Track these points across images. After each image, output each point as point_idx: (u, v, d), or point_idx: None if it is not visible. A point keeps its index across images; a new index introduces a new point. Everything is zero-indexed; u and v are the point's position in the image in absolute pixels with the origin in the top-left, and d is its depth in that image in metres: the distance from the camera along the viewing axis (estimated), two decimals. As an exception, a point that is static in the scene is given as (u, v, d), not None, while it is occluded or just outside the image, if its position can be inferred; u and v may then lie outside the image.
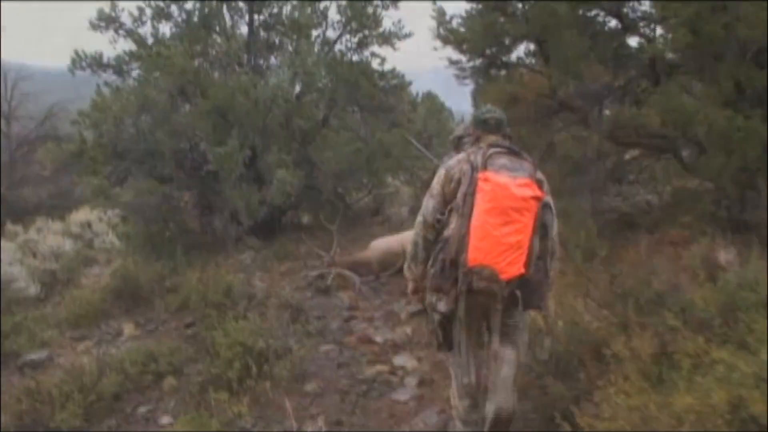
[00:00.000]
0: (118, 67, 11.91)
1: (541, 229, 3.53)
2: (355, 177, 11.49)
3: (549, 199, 3.63)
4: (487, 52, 6.75)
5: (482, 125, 3.84)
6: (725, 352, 2.83)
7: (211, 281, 7.49)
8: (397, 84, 13.13)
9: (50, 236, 16.86)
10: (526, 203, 3.39)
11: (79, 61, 11.64)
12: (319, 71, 11.55)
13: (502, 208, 3.35)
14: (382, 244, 9.28)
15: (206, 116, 10.68)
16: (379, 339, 6.54)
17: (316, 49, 12.55)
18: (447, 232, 3.57)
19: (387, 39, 12.80)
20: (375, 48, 12.81)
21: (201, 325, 6.98)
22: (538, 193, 3.45)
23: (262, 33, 13.06)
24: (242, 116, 10.70)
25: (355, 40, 12.65)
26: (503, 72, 7.11)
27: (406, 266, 4.05)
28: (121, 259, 13.48)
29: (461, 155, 3.73)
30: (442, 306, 3.60)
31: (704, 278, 4.53)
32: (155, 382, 5.97)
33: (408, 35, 13.03)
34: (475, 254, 3.36)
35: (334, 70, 11.83)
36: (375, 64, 12.78)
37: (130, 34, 11.94)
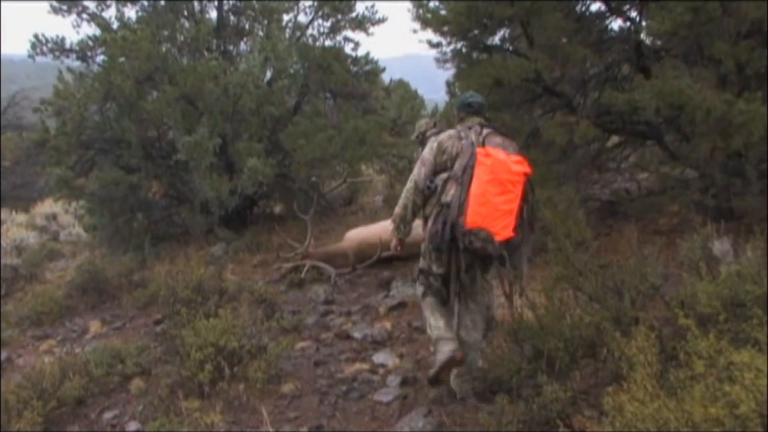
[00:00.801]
0: (82, 52, 11.44)
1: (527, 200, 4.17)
2: (329, 165, 11.16)
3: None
4: (470, 34, 6.47)
5: (466, 108, 4.48)
6: (746, 354, 2.58)
7: (180, 275, 7.13)
8: (370, 70, 12.82)
9: (13, 229, 16.38)
10: (518, 177, 4.05)
11: (39, 45, 11.16)
12: (291, 56, 11.18)
13: (500, 180, 3.97)
14: (358, 234, 9.00)
15: (174, 103, 10.28)
16: (357, 335, 6.26)
17: (287, 34, 12.20)
18: (446, 198, 4.11)
19: (360, 24, 12.49)
20: (348, 33, 12.52)
21: (170, 322, 6.65)
22: (527, 169, 4.12)
23: (232, 18, 12.67)
24: (212, 103, 10.31)
25: (328, 24, 12.33)
26: (486, 56, 6.82)
27: (394, 227, 4.63)
28: (87, 252, 13.14)
29: (450, 131, 4.39)
30: (436, 268, 4.28)
31: (703, 270, 4.31)
32: (122, 384, 5.64)
33: (382, 20, 12.74)
34: (474, 218, 3.91)
35: (306, 55, 11.49)
36: (348, 49, 12.49)
37: (94, 18, 11.48)
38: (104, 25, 11.16)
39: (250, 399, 4.91)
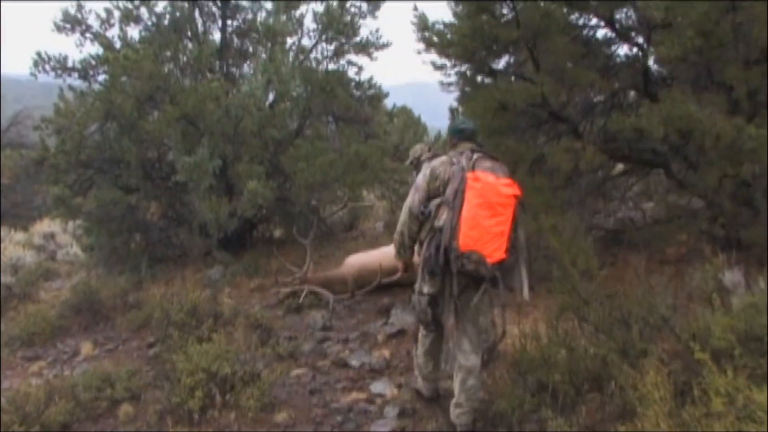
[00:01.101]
0: (84, 71, 11.33)
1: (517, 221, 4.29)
2: (330, 189, 11.03)
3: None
4: (475, 57, 6.36)
5: (459, 134, 4.68)
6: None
7: (175, 298, 6.96)
8: (373, 94, 12.73)
9: (10, 247, 16.23)
10: (508, 199, 4.18)
11: (41, 63, 11.06)
12: (294, 79, 11.08)
13: (490, 203, 4.10)
14: (358, 260, 8.84)
15: (175, 123, 10.17)
16: (354, 363, 6.09)
17: (290, 57, 12.12)
18: (438, 223, 4.27)
19: (364, 48, 12.41)
20: (351, 57, 12.44)
21: (163, 345, 6.48)
22: (517, 191, 4.25)
23: (236, 40, 12.60)
24: (213, 124, 10.19)
25: (331, 48, 12.24)
26: (491, 79, 6.71)
27: (395, 252, 4.80)
28: (84, 272, 12.97)
29: (443, 158, 4.55)
30: (427, 288, 4.45)
31: (714, 302, 4.15)
32: (110, 409, 5.46)
33: (386, 45, 12.66)
34: (466, 241, 4.04)
35: (309, 78, 11.40)
36: (351, 73, 12.40)
37: (97, 36, 11.40)
38: (107, 44, 11.06)
39: (241, 428, 4.73)
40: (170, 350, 5.83)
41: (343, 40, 12.19)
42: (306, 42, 12.55)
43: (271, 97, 11.46)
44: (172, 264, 11.20)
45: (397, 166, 12.49)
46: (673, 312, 4.50)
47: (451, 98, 15.01)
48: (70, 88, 11.05)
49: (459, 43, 6.31)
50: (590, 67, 6.53)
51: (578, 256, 4.78)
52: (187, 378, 4.78)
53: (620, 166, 8.24)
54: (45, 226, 18.04)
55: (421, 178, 4.50)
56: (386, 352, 6.23)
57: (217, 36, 12.18)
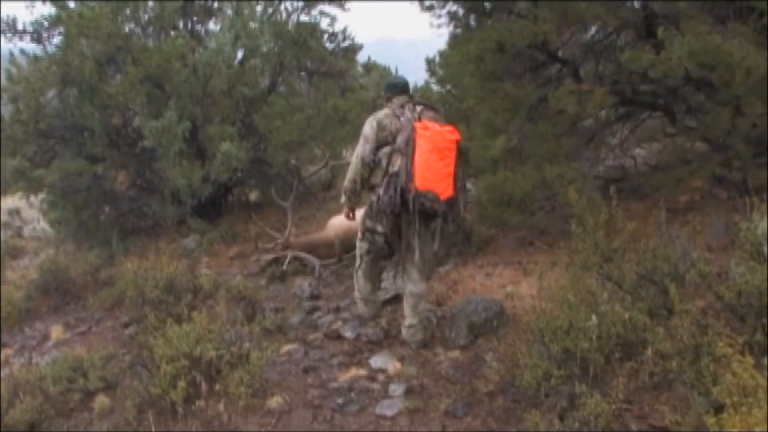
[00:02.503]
0: (37, 33, 10.56)
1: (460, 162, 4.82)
2: (308, 148, 10.43)
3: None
4: (467, -8, 5.78)
5: (393, 88, 5.26)
6: None
7: (149, 273, 6.39)
8: (348, 46, 12.08)
9: (-28, 225, 15.52)
10: (452, 144, 4.70)
11: (-13, 27, 10.27)
12: (263, 34, 10.40)
13: (439, 148, 4.63)
14: (343, 221, 8.31)
15: (139, 86, 9.48)
16: (349, 334, 5.59)
17: (258, 11, 11.41)
18: (393, 169, 4.75)
19: (336, -1, 11.72)
20: (323, 7, 11.72)
21: (140, 326, 5.96)
22: (458, 136, 4.78)
23: (200, -5, 11.85)
24: (180, 85, 9.53)
25: (302, -2, 11.54)
26: (484, 19, 6.14)
27: (345, 198, 5.35)
28: (52, 249, 12.34)
29: (386, 111, 5.05)
30: (381, 227, 5.01)
31: (749, 255, 3.70)
32: (84, 402, 4.93)
33: (358, -5, 11.98)
34: (422, 182, 4.57)
35: (280, 32, 10.72)
36: (324, 24, 11.71)
37: (51, -3, 10.61)
38: (60, 3, 10.28)
39: (232, 418, 4.23)
40: (147, 332, 5.29)
41: (314, -12, 11.48)
42: (274, -6, 11.84)
43: (240, 54, 10.78)
44: (144, 235, 10.60)
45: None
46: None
47: (420, 54, 14.49)
48: (22, 52, 10.28)
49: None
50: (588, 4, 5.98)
51: (596, 209, 4.29)
52: (167, 365, 4.25)
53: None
54: (10, 201, 17.27)
55: (369, 130, 4.99)
56: (383, 321, 5.75)
57: (179, -9, 11.40)
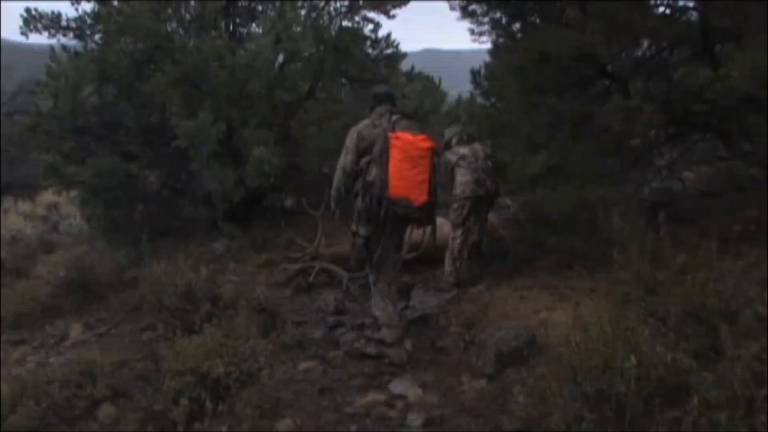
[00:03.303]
0: (79, 30, 10.53)
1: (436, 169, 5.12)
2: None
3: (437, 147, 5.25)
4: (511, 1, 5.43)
5: (375, 98, 5.45)
6: None
7: (168, 278, 6.17)
8: (391, 54, 11.84)
9: (12, 219, 15.62)
10: (426, 152, 4.96)
11: (32, 22, 10.25)
12: (305, 38, 10.20)
13: (411, 157, 4.87)
14: (375, 233, 8.05)
15: (176, 85, 9.36)
16: (371, 353, 5.29)
17: (302, 15, 11.22)
18: (369, 177, 5.00)
19: (380, 3, 11.47)
20: (367, 13, 11.50)
21: (154, 333, 5.75)
22: (432, 144, 5.05)
23: (243, -3, 11.71)
24: (217, 86, 9.38)
25: (345, 3, 11.31)
26: (530, 27, 5.81)
27: (333, 204, 5.64)
28: (86, 245, 12.30)
29: (366, 121, 5.29)
30: (363, 231, 5.18)
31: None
32: (89, 410, 4.67)
33: (404, 1, 11.69)
34: (395, 190, 4.84)
35: (321, 36, 10.52)
36: (367, 30, 11.48)
37: (95, -7, 10.54)
38: (103, 0, 10.21)
39: (237, 440, 3.97)
40: (160, 340, 5.08)
41: (358, -7, 11.25)
42: (317, -1, 11.65)
43: (280, 57, 10.60)
44: (174, 237, 10.44)
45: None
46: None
47: (465, 65, 14.15)
48: (64, 48, 10.24)
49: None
50: (642, 19, 5.62)
51: (640, 235, 3.95)
52: (171, 380, 4.00)
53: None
54: (49, 196, 17.36)
55: (350, 141, 5.22)
56: (408, 343, 5.44)
57: (222, -8, 11.27)
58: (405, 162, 4.87)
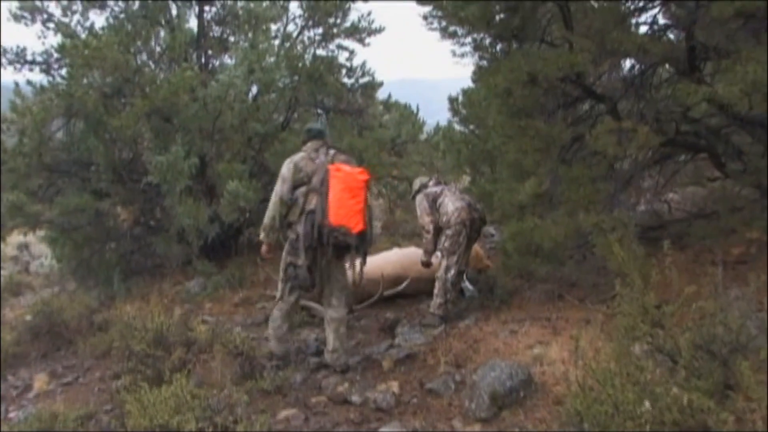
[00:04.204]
0: (46, 63, 10.18)
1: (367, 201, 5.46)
2: (322, 188, 9.89)
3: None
4: (494, 20, 5.17)
5: (307, 133, 5.86)
6: None
7: (139, 322, 5.79)
8: (367, 83, 11.57)
9: (-21, 260, 15.08)
10: (362, 183, 5.35)
11: (-5, 57, 9.88)
12: (279, 69, 9.92)
13: (350, 188, 5.26)
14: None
15: (145, 119, 9.03)
16: (356, 399, 4.97)
17: (275, 45, 10.96)
18: (310, 206, 5.33)
19: (355, 31, 11.23)
20: (342, 41, 11.26)
21: (120, 382, 5.37)
22: (368, 177, 5.46)
23: (215, 27, 11.42)
24: (188, 119, 9.05)
25: (320, 31, 11.07)
26: (516, 47, 5.54)
27: (264, 235, 5.66)
28: (58, 287, 11.87)
29: (301, 154, 5.66)
30: (301, 261, 5.37)
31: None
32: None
33: (379, 30, 11.47)
34: (336, 218, 5.19)
35: (296, 66, 10.26)
36: (342, 58, 11.23)
37: (60, 27, 10.21)
38: (68, 32, 9.89)
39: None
40: (128, 390, 4.70)
41: (332, 21, 11.00)
42: (291, 28, 11.40)
43: (254, 88, 10.32)
44: (148, 276, 10.06)
45: (395, 160, 11.39)
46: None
47: (442, 94, 13.98)
48: (29, 83, 9.87)
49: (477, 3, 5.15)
50: (627, 37, 5.39)
51: (642, 264, 3.66)
52: (136, 440, 3.64)
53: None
54: (20, 236, 16.84)
55: (286, 171, 5.51)
56: (394, 385, 5.11)
57: (193, 23, 10.99)
58: (345, 192, 5.25)
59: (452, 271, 6.53)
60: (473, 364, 5.24)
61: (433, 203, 6.72)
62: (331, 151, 5.64)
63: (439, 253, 6.73)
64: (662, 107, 5.35)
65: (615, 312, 3.62)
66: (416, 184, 7.24)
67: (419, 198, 6.90)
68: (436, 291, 6.61)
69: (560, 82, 5.23)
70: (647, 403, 2.98)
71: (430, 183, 7.05)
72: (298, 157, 5.61)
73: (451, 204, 6.57)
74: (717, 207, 6.06)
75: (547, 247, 5.39)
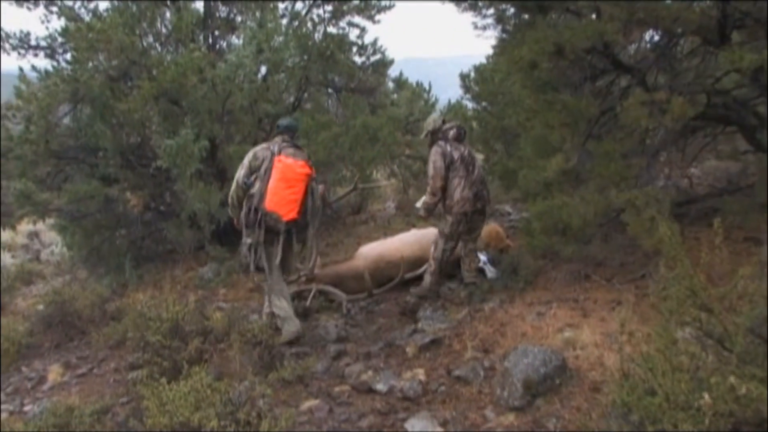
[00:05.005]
0: (50, 48, 9.96)
1: (311, 192, 6.07)
2: (335, 169, 9.68)
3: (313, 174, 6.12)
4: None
5: (278, 128, 6.44)
6: None
7: (153, 311, 5.60)
8: (378, 60, 11.33)
9: (-9, 248, 14.96)
10: (301, 176, 5.95)
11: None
12: (288, 48, 9.67)
13: (287, 178, 5.86)
14: (373, 250, 7.53)
15: (153, 102, 8.82)
16: (381, 387, 4.79)
17: (284, 23, 10.70)
18: (253, 191, 5.92)
19: (365, 9, 10.96)
20: (352, 18, 10.99)
21: (136, 374, 5.20)
22: (309, 170, 6.03)
23: (221, 7, 11.16)
24: (197, 101, 8.83)
25: (329, 8, 10.80)
26: (540, 19, 5.26)
27: (230, 211, 6.37)
28: (66, 275, 11.73)
29: (264, 144, 6.28)
30: (247, 239, 5.99)
31: None
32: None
33: (389, 6, 11.20)
34: (269, 204, 5.81)
35: (306, 44, 10.01)
36: (353, 36, 10.97)
37: (63, 10, 9.98)
38: (72, 16, 9.66)
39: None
40: (145, 383, 4.52)
41: (342, -2, 10.73)
42: (300, 6, 11.13)
43: (263, 68, 10.08)
44: (160, 262, 9.90)
45: (409, 139, 11.15)
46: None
47: (449, 72, 13.70)
48: (34, 68, 9.66)
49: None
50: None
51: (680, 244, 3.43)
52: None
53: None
54: (30, 224, 16.69)
55: (246, 159, 6.07)
56: (420, 372, 4.92)
57: (199, 3, 10.74)
58: (282, 182, 5.83)
59: (448, 254, 6.61)
60: (501, 349, 5.05)
61: (448, 168, 6.44)
62: (284, 144, 6.08)
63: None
64: (690, 78, 5.08)
65: (661, 295, 3.39)
66: (429, 124, 7.09)
67: (435, 154, 6.53)
68: (430, 270, 6.66)
69: (586, 54, 4.98)
70: (707, 396, 2.77)
71: (451, 134, 6.67)
72: (259, 147, 6.19)
73: (459, 191, 6.38)
74: (748, 181, 5.81)
75: (575, 225, 5.16)
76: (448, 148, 6.52)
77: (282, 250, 5.98)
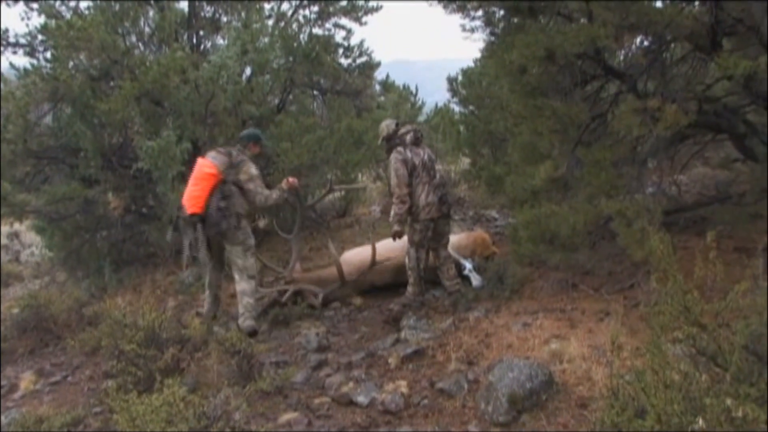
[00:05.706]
0: (30, 46, 9.76)
1: (221, 192, 6.27)
2: (319, 172, 9.51)
3: (242, 176, 6.39)
4: (509, -9, 4.78)
5: (240, 136, 6.93)
6: None
7: (130, 317, 5.44)
8: (364, 63, 11.19)
9: (-32, 250, 14.72)
10: (206, 175, 6.26)
11: (-23, 39, 9.46)
12: (273, 48, 9.52)
13: (195, 177, 6.34)
14: (356, 255, 7.40)
15: (135, 103, 8.63)
16: (362, 400, 4.64)
17: (269, 23, 10.56)
18: None
19: (351, 11, 10.84)
20: (338, 20, 10.86)
21: (115, 382, 5.02)
22: (215, 172, 6.27)
23: (206, 6, 10.99)
24: (180, 102, 8.66)
25: (315, 9, 10.66)
26: (530, 22, 5.13)
27: None
28: (46, 277, 11.52)
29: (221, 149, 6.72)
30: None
31: None
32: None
33: (376, 9, 11.09)
34: (183, 199, 6.35)
35: (291, 45, 9.86)
36: (339, 37, 10.84)
37: (44, 7, 9.78)
38: (53, 13, 9.46)
39: None
40: (117, 395, 4.35)
41: (329, -1, 10.60)
42: (286, 7, 10.99)
43: (248, 70, 9.92)
44: (140, 266, 9.71)
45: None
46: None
47: (435, 76, 13.58)
48: (12, 66, 9.45)
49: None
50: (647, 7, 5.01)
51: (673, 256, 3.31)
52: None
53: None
54: (8, 225, 16.42)
55: None
56: (402, 384, 4.78)
57: (183, 3, 10.57)
58: (191, 179, 6.34)
59: (422, 261, 6.47)
60: (486, 361, 4.91)
61: (410, 174, 6.29)
62: (222, 149, 6.54)
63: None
64: (682, 85, 4.97)
65: (653, 310, 3.26)
66: (383, 130, 6.68)
67: (396, 162, 6.30)
68: (412, 280, 6.47)
69: (577, 59, 4.86)
70: (701, 421, 2.64)
71: (408, 138, 6.49)
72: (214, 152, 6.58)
73: (424, 197, 6.25)
74: (738, 190, 5.71)
75: (564, 234, 5.04)
76: (408, 153, 6.35)
77: (208, 245, 6.42)
